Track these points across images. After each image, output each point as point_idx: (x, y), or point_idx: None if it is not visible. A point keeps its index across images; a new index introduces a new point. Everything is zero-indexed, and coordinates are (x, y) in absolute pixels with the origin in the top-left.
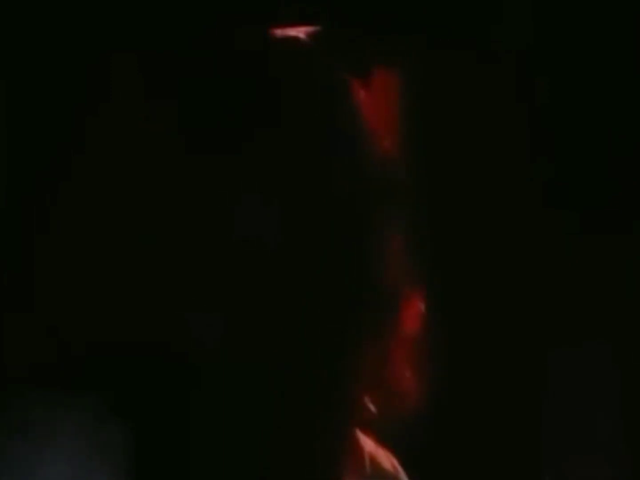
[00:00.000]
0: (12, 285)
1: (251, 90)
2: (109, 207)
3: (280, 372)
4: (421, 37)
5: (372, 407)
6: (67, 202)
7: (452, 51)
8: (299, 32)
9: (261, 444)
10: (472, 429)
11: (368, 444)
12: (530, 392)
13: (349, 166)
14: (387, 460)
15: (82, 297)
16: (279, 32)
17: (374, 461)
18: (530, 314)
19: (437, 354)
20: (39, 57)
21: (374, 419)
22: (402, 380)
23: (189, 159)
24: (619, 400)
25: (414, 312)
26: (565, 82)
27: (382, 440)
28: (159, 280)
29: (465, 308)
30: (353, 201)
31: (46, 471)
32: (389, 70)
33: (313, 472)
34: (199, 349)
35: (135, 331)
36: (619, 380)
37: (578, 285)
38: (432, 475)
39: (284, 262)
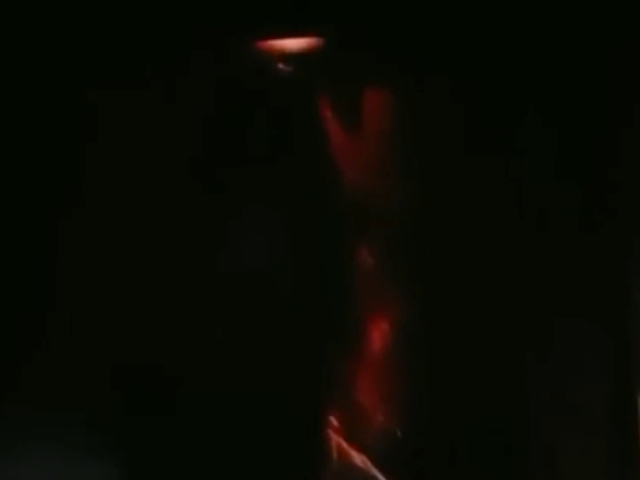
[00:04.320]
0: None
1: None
2: (107, 217)
3: (255, 383)
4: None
5: (335, 420)
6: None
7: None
8: (292, 45)
9: (241, 443)
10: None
11: (338, 443)
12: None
13: (317, 193)
14: (357, 457)
15: (79, 315)
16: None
17: (343, 458)
18: (509, 321)
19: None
20: (39, 66)
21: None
22: (368, 394)
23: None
24: (605, 400)
25: (380, 332)
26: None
27: (354, 440)
28: (148, 298)
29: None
30: (321, 227)
31: None
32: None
33: (286, 469)
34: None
35: (126, 347)
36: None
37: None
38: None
39: (262, 288)
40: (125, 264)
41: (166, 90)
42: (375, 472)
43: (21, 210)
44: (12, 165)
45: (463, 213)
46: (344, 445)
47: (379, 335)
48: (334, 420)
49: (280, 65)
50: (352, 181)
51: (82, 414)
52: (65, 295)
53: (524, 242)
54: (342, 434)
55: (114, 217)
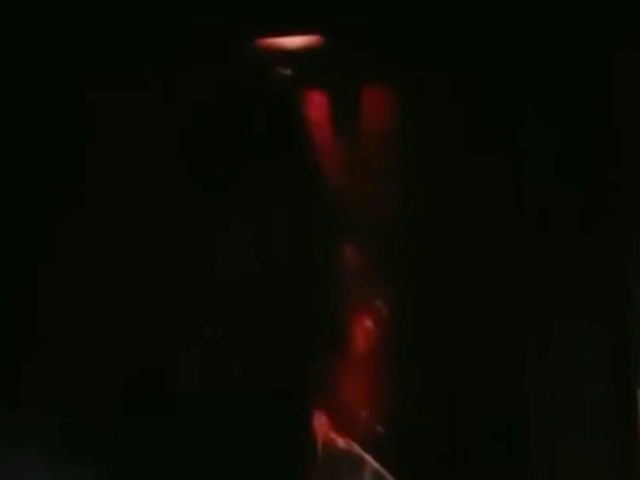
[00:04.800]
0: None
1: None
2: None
3: (249, 382)
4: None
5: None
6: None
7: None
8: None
9: (237, 440)
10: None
11: (322, 429)
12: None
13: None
14: (341, 439)
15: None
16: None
17: (328, 442)
18: (510, 321)
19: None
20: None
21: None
22: (354, 391)
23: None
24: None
25: (364, 330)
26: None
27: (337, 425)
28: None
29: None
30: (313, 227)
31: None
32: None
33: (277, 462)
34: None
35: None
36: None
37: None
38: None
39: (249, 288)
40: (125, 264)
41: (166, 90)
42: (360, 450)
43: (21, 210)
44: (13, 165)
45: (463, 213)
46: (331, 433)
47: (375, 334)
48: (322, 415)
49: (280, 66)
50: (350, 181)
51: (82, 414)
52: (65, 296)
53: (524, 242)
54: (331, 427)
55: (114, 217)
